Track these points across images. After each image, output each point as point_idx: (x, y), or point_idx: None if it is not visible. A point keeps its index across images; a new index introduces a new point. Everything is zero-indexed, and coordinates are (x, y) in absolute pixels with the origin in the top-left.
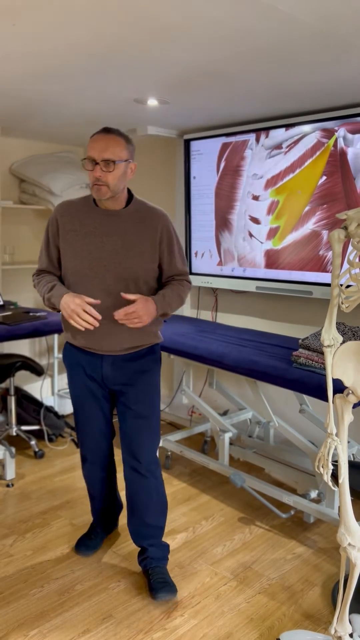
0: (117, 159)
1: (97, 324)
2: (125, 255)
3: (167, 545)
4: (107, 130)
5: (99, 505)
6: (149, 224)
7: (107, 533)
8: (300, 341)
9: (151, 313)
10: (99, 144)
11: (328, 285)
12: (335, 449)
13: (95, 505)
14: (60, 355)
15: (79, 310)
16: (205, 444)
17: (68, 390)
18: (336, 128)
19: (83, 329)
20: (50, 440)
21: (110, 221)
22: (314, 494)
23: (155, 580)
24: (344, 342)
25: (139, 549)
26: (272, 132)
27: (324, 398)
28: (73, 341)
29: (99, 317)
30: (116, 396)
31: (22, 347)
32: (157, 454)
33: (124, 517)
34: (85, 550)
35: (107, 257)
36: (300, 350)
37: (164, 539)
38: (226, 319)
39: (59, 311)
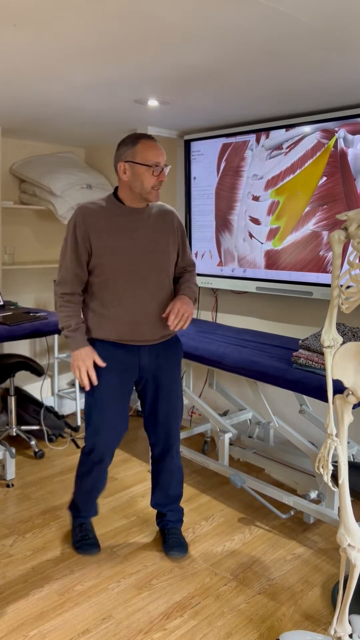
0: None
1: (88, 387)
2: (155, 249)
3: (182, 509)
4: (153, 138)
5: (99, 495)
6: (168, 219)
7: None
8: (300, 342)
9: (191, 306)
10: (161, 152)
11: (328, 286)
12: (335, 450)
13: (95, 499)
14: (61, 356)
15: (84, 370)
16: (205, 444)
17: (73, 390)
18: (336, 129)
19: (81, 384)
20: (51, 440)
21: (138, 218)
22: (313, 495)
23: (170, 539)
24: (344, 343)
25: (157, 512)
26: (273, 133)
27: (324, 399)
28: (109, 336)
29: (95, 382)
30: (147, 385)
31: (22, 347)
32: None
33: (124, 517)
34: (95, 549)
35: (140, 251)
36: (301, 350)
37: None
38: (226, 319)
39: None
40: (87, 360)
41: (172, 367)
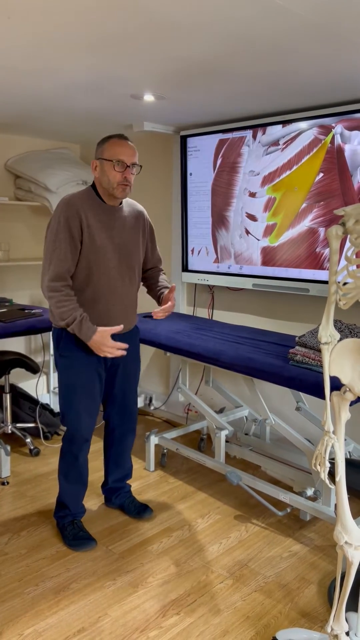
0: (139, 163)
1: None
2: (129, 247)
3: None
4: (125, 137)
5: (86, 488)
6: (139, 217)
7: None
8: (297, 339)
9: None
10: (128, 150)
11: (325, 282)
12: (332, 447)
13: (83, 492)
14: None
15: (113, 352)
16: (202, 441)
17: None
18: (333, 125)
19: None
20: (46, 438)
21: (116, 217)
22: (310, 492)
23: (136, 505)
24: (341, 339)
25: (108, 488)
26: (269, 129)
27: (321, 396)
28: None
29: (125, 345)
30: (117, 370)
31: (17, 345)
32: None
33: (120, 515)
34: (92, 542)
35: (118, 248)
36: (297, 347)
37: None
38: (223, 316)
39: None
40: (106, 342)
41: (136, 353)
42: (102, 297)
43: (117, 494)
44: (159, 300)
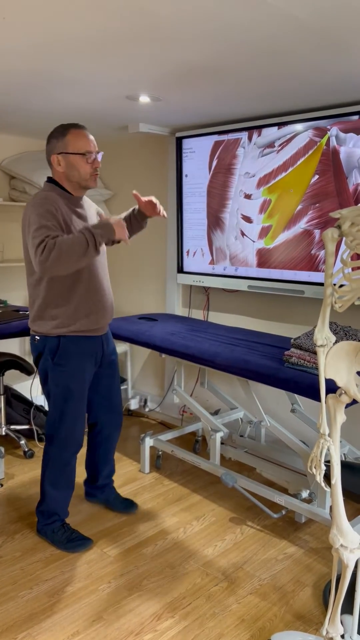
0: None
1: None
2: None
3: None
4: (82, 126)
5: (70, 498)
6: (94, 207)
7: None
8: (292, 341)
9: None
10: (90, 139)
11: (320, 284)
12: (328, 450)
13: (70, 497)
14: None
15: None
16: (197, 443)
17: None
18: (329, 127)
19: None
20: (40, 439)
21: (81, 206)
22: (305, 494)
23: (121, 501)
24: (336, 342)
25: (89, 486)
26: (265, 131)
27: (316, 398)
28: (80, 328)
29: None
30: (102, 369)
31: (11, 346)
32: None
33: (115, 517)
34: (87, 541)
35: None
36: (292, 349)
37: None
38: (218, 318)
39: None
40: (123, 224)
41: (115, 349)
42: (93, 288)
43: (102, 489)
44: (136, 214)
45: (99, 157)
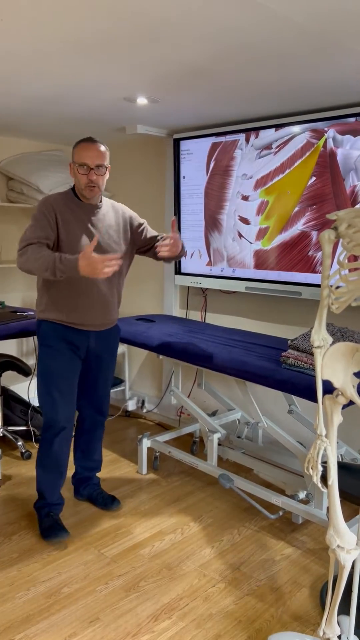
0: (106, 164)
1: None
2: (109, 241)
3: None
4: (93, 140)
5: (63, 480)
6: (120, 214)
7: (61, 510)
8: (289, 342)
9: (180, 246)
10: (92, 153)
11: (317, 286)
12: (325, 451)
13: (61, 482)
14: None
15: (104, 268)
16: (194, 444)
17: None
18: (326, 129)
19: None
20: (38, 441)
21: (93, 214)
22: (302, 495)
23: (104, 498)
24: (333, 343)
25: (78, 479)
26: (262, 133)
27: (313, 399)
28: (62, 318)
29: (117, 255)
30: (89, 364)
31: (9, 347)
32: None
33: (112, 518)
34: (64, 533)
35: (98, 244)
36: (290, 351)
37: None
38: (215, 319)
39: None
40: (95, 259)
41: (112, 350)
42: (77, 289)
43: (86, 484)
44: (156, 248)
45: (99, 170)
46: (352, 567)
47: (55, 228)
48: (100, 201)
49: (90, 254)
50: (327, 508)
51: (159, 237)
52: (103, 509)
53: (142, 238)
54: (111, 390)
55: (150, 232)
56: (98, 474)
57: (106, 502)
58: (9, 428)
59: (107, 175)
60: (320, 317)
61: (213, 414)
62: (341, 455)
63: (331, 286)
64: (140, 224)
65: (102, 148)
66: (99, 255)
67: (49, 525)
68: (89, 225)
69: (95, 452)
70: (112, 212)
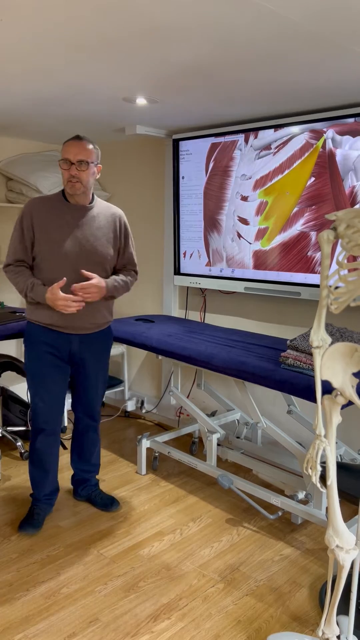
0: (89, 160)
1: (82, 305)
2: (95, 244)
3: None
4: (79, 138)
5: (53, 478)
6: (112, 217)
7: (48, 511)
8: (288, 342)
9: (102, 292)
10: (73, 149)
11: (316, 286)
12: (324, 451)
13: (49, 479)
14: None
15: (65, 305)
16: (193, 445)
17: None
18: (325, 129)
19: (75, 311)
20: None
21: (81, 215)
22: (301, 495)
23: (102, 498)
24: (332, 343)
25: (76, 480)
26: (261, 133)
27: (312, 399)
28: (43, 320)
29: (78, 298)
30: (76, 367)
31: (8, 348)
32: None
33: (111, 519)
34: (32, 529)
35: (80, 246)
36: (289, 351)
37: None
38: (214, 319)
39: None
40: (57, 296)
41: (100, 354)
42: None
43: (84, 485)
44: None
45: (81, 166)
46: (351, 567)
47: (30, 237)
48: (91, 202)
49: (56, 290)
50: (326, 508)
51: (122, 269)
52: (102, 510)
53: (118, 252)
54: (111, 391)
55: (125, 255)
56: (95, 478)
57: (105, 503)
58: (8, 428)
59: (95, 174)
60: (319, 317)
61: (212, 414)
62: (340, 455)
63: (330, 286)
64: (126, 242)
65: (88, 145)
66: (63, 294)
67: (25, 517)
68: (74, 228)
69: (91, 456)
70: (105, 214)
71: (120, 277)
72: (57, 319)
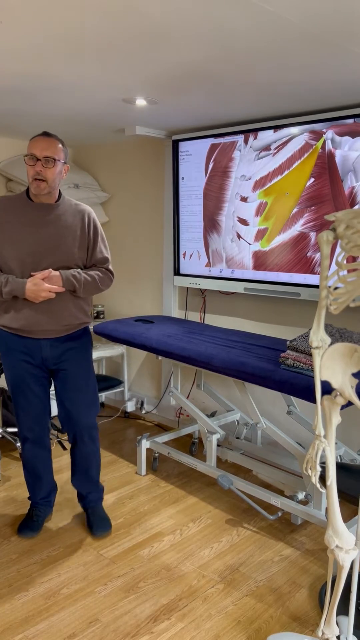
0: (57, 158)
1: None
2: (60, 243)
3: (103, 487)
4: (47, 134)
5: (47, 481)
6: (79, 216)
7: (48, 512)
8: (288, 343)
9: (59, 282)
10: (40, 144)
11: (316, 286)
12: (323, 451)
13: (43, 483)
14: None
15: (46, 293)
16: (193, 445)
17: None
18: (324, 130)
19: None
20: None
21: (45, 213)
22: (301, 496)
23: (92, 517)
24: (331, 343)
25: (78, 495)
26: (261, 134)
27: (312, 400)
28: (11, 324)
29: (54, 287)
30: (54, 374)
31: None
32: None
33: (111, 519)
34: (30, 532)
35: (44, 245)
36: (288, 351)
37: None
38: (214, 320)
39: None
40: (43, 287)
41: (78, 358)
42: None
43: (83, 500)
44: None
45: (49, 163)
46: (351, 568)
47: None
48: (57, 200)
49: (39, 281)
50: (326, 509)
51: (92, 268)
52: (89, 530)
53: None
54: (110, 392)
55: (95, 253)
56: (97, 493)
57: (91, 525)
58: (8, 429)
59: (62, 174)
60: (318, 317)
61: (212, 414)
62: (340, 455)
63: (330, 287)
64: (94, 240)
65: (57, 143)
66: (48, 285)
67: (24, 520)
68: (38, 227)
69: (86, 471)
70: (72, 212)
71: (84, 272)
72: (24, 323)
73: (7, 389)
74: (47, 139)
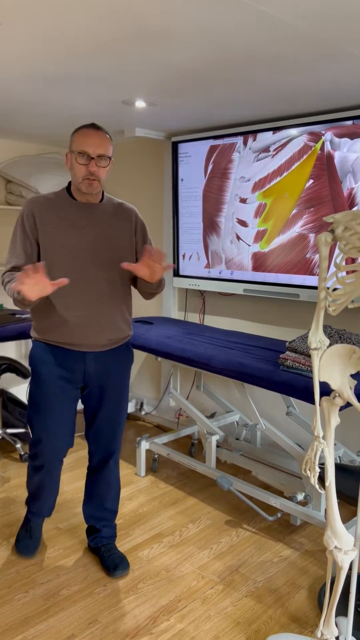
0: (110, 155)
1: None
2: (106, 246)
3: (116, 525)
4: (96, 127)
5: (52, 501)
6: (125, 216)
7: (43, 521)
8: (287, 344)
9: (163, 281)
10: (93, 140)
11: (315, 288)
12: (322, 452)
13: (47, 504)
14: None
15: (35, 280)
16: (193, 446)
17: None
18: (323, 132)
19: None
20: None
21: (89, 213)
22: (300, 497)
23: (109, 558)
24: (330, 345)
25: (87, 527)
26: (260, 135)
27: (311, 401)
28: (52, 338)
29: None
30: (91, 392)
31: (7, 350)
32: None
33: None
34: (28, 552)
35: (89, 248)
36: (288, 352)
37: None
38: (214, 321)
39: (28, 306)
40: (37, 280)
41: (119, 376)
42: (65, 303)
43: (94, 536)
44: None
45: (101, 162)
46: (350, 568)
47: (35, 237)
48: (101, 200)
49: (36, 274)
50: (325, 510)
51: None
52: (106, 573)
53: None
54: None
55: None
56: (111, 529)
57: (110, 565)
58: (8, 430)
59: (109, 169)
60: (317, 319)
61: (211, 416)
62: (339, 457)
63: (328, 288)
64: (144, 239)
65: (108, 139)
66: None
67: (22, 536)
68: (84, 229)
69: (104, 500)
70: (115, 212)
71: None
72: (69, 335)
73: (7, 390)
74: (99, 134)
